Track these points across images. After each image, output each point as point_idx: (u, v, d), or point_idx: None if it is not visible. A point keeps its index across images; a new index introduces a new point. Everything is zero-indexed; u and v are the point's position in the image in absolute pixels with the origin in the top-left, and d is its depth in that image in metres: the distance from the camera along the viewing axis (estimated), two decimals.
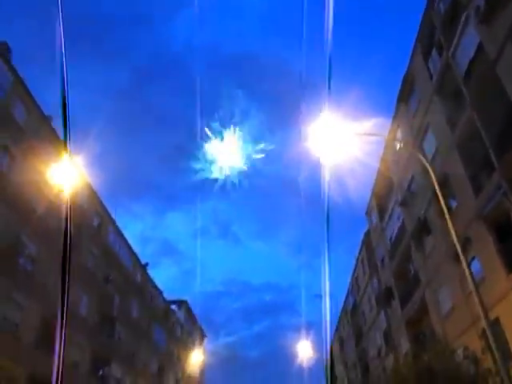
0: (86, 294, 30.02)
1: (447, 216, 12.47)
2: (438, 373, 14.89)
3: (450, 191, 19.20)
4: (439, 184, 13.48)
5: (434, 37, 20.82)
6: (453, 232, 12.16)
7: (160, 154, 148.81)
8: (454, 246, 12.36)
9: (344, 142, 14.18)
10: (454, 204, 19.47)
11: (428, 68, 21.47)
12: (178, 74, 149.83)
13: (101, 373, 31.91)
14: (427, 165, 13.57)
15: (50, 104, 26.15)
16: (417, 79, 22.80)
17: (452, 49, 18.40)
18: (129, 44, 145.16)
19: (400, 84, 24.01)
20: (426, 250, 23.67)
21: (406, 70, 23.37)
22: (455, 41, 17.87)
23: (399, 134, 25.81)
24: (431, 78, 21.00)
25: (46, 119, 25.92)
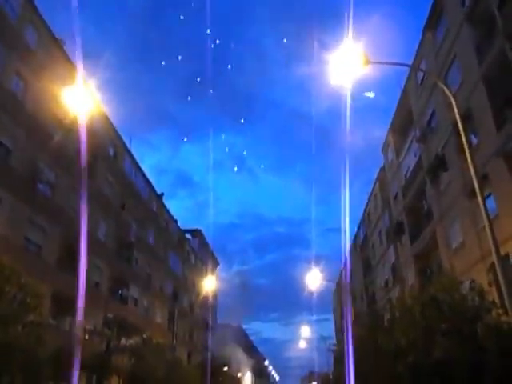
0: (104, 221, 31.00)
1: (467, 151, 12.18)
2: (443, 303, 15.34)
3: (472, 126, 18.63)
4: (461, 118, 13.03)
5: None
6: (472, 167, 11.93)
7: (176, 82, 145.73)
8: (471, 182, 12.20)
9: (365, 71, 13.60)
10: (474, 140, 18.98)
11: None
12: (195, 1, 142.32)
13: (120, 293, 33.78)
14: (451, 96, 13.01)
15: (62, 28, 25.34)
16: (447, 4, 21.30)
17: None
18: None
19: (428, 10, 22.48)
20: (441, 187, 23.52)
21: None
22: None
23: (423, 65, 24.65)
24: (463, 3, 19.58)
25: (58, 42, 25.23)
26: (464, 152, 12.65)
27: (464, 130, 12.79)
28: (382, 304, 37.16)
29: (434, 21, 22.78)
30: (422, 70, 23.65)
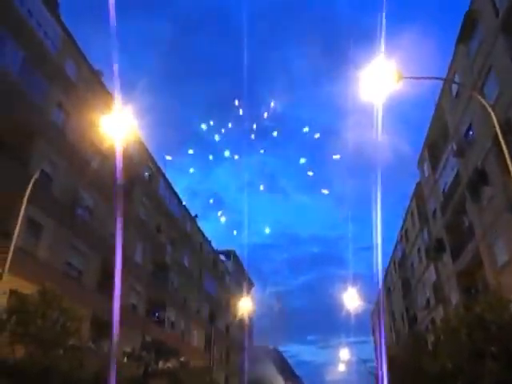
0: (141, 243, 31.53)
1: (510, 164, 11.68)
2: (491, 324, 14.56)
3: None
4: (501, 130, 12.57)
5: None
6: None
7: (206, 104, 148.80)
8: None
9: (397, 87, 13.41)
10: None
11: (493, 3, 19.55)
12: (223, 22, 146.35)
13: (157, 315, 34.00)
14: (489, 108, 12.61)
15: (99, 59, 26.49)
16: (480, 16, 20.88)
17: None
18: None
19: (461, 22, 22.10)
20: (483, 202, 22.64)
21: (468, 6, 21.42)
22: None
23: (457, 78, 24.12)
24: (497, 13, 19.16)
25: (96, 74, 26.34)
26: (506, 165, 12.16)
27: (505, 143, 12.33)
28: (424, 325, 35.72)
29: (467, 33, 22.36)
30: (456, 83, 23.12)
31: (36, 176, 16.53)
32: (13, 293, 15.73)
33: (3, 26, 18.73)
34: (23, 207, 15.13)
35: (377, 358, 64.72)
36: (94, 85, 25.72)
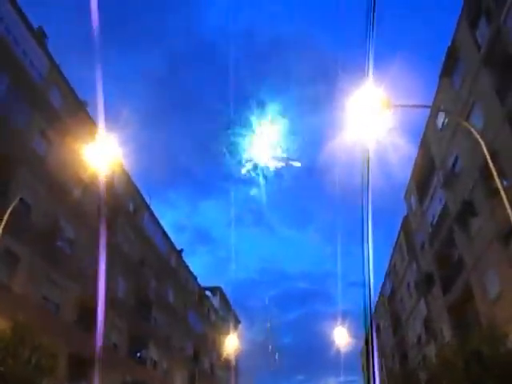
0: (123, 277, 30.43)
1: (502, 192, 11.50)
2: (488, 358, 14.03)
3: (501, 169, 17.97)
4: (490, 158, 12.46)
5: (481, 4, 19.44)
6: (509, 210, 11.19)
7: (194, 140, 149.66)
8: (504, 226, 11.42)
9: (384, 118, 13.36)
10: (504, 183, 18.23)
11: (475, 38, 20.10)
12: (212, 59, 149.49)
13: (139, 355, 32.43)
14: (479, 137, 12.54)
15: (86, 90, 26.35)
16: (462, 50, 21.43)
17: (503, 15, 17.08)
18: (162, 29, 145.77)
19: (444, 57, 22.65)
20: (472, 233, 22.48)
21: (450, 41, 22.01)
22: (507, 5, 16.55)
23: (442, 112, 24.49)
24: (479, 48, 19.65)
25: (82, 104, 26.11)
26: (494, 195, 12.01)
27: (492, 174, 12.18)
28: (416, 362, 34.73)
29: (450, 67, 22.88)
30: (446, 111, 23.37)
31: (14, 204, 15.83)
32: None
33: None
34: None
35: None
36: (79, 114, 25.42)
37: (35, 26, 22.53)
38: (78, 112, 25.55)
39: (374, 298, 54.59)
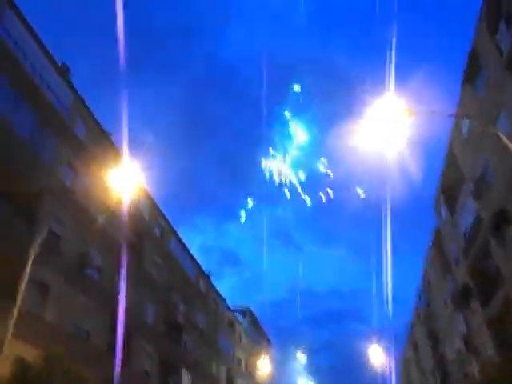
0: (152, 303, 30.45)
1: None
2: None
3: None
4: None
5: (500, 8, 19.05)
6: None
7: (219, 164, 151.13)
8: None
9: (406, 128, 13.10)
10: None
11: (496, 42, 19.64)
12: (234, 84, 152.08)
13: (170, 381, 32.14)
14: (508, 143, 12.09)
15: (111, 118, 27.09)
16: (484, 56, 20.94)
17: None
18: (185, 56, 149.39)
19: (465, 63, 22.19)
20: (508, 244, 21.51)
21: (470, 48, 21.57)
22: None
23: (467, 119, 23.87)
24: (501, 53, 19.17)
25: (106, 134, 26.75)
26: None
27: None
28: (458, 380, 33.14)
29: (471, 74, 22.38)
30: (473, 118, 22.78)
31: (43, 236, 16.14)
32: (16, 360, 14.84)
33: (19, 92, 19.25)
34: (27, 268, 14.58)
35: None
36: (104, 144, 26.02)
37: (60, 60, 23.42)
38: (103, 142, 26.16)
39: (409, 314, 52.84)
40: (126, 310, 22.30)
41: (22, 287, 14.55)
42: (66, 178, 22.15)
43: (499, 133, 12.41)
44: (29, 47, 20.58)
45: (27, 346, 16.00)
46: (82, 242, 22.56)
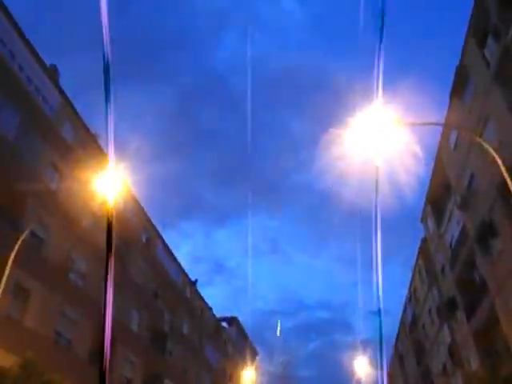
0: (137, 310, 29.96)
1: None
2: None
3: None
4: (509, 175, 12.00)
5: (488, 22, 19.35)
6: None
7: (208, 171, 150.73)
8: None
9: (394, 140, 13.10)
10: None
11: (484, 56, 19.92)
12: (224, 91, 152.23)
13: None
14: (495, 154, 12.13)
15: (98, 123, 26.82)
16: (472, 69, 21.23)
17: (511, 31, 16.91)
18: (174, 67, 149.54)
19: (453, 76, 22.47)
20: (494, 255, 21.63)
21: (459, 61, 21.86)
22: None
23: (454, 130, 24.11)
24: (488, 65, 19.43)
25: (93, 137, 26.41)
26: None
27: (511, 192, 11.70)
28: None
29: (460, 85, 22.65)
30: (460, 128, 23.00)
31: (24, 237, 15.75)
32: None
33: (2, 90, 18.93)
34: (7, 270, 14.19)
35: None
36: (91, 147, 25.68)
37: (48, 62, 23.15)
38: (90, 145, 25.81)
39: (395, 326, 52.79)
40: (107, 317, 21.83)
41: (0, 291, 14.13)
42: (51, 180, 21.79)
43: (486, 145, 12.45)
44: (17, 48, 20.32)
45: (4, 352, 15.52)
46: (66, 246, 22.12)
